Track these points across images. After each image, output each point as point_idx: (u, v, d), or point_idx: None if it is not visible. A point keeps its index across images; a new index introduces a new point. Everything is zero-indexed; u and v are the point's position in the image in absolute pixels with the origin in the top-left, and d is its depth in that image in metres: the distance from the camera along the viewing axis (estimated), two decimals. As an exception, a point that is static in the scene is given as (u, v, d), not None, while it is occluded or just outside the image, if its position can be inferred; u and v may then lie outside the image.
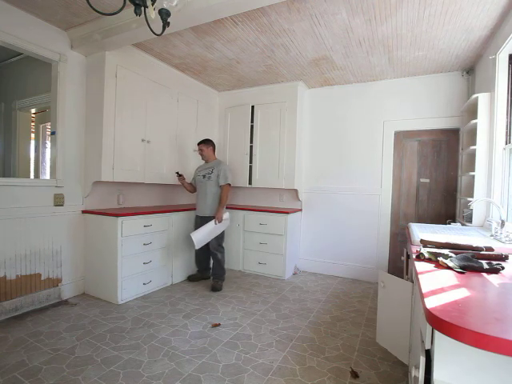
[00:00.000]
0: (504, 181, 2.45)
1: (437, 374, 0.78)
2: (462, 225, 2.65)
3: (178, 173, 3.40)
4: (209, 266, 3.65)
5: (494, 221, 2.11)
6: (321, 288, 3.48)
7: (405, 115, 3.61)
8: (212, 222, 3.24)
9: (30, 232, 2.62)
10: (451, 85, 3.38)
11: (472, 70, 3.27)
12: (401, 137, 3.69)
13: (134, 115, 3.14)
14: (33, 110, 3.94)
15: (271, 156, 4.04)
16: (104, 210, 2.98)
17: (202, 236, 3.20)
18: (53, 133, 2.83)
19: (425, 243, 1.56)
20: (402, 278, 1.88)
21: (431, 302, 0.81)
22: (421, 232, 1.99)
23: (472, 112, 2.90)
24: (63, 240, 2.87)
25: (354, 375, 1.86)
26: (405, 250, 2.14)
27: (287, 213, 3.70)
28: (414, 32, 2.59)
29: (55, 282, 2.83)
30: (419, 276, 1.07)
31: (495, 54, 2.46)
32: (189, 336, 2.28)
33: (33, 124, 4.02)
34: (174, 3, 1.63)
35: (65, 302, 2.83)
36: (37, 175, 3.92)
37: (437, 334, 0.77)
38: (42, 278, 2.73)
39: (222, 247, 3.44)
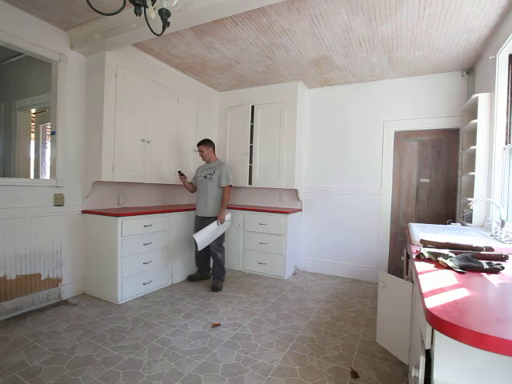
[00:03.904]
0: (504, 181, 2.45)
1: (437, 374, 0.78)
2: (462, 225, 2.65)
3: (179, 172, 3.40)
4: (209, 266, 3.65)
5: (494, 221, 2.11)
6: (321, 288, 3.48)
7: (405, 115, 3.61)
8: (214, 222, 3.24)
9: (30, 232, 2.62)
10: (451, 85, 3.38)
11: (472, 70, 3.27)
12: (401, 137, 3.69)
13: (134, 115, 3.14)
14: (33, 110, 3.94)
15: (271, 156, 4.04)
16: (104, 210, 2.98)
17: (204, 237, 3.20)
18: (53, 133, 2.83)
19: (425, 243, 1.56)
20: (402, 277, 1.88)
21: (431, 302, 0.81)
22: (421, 232, 1.99)
23: (472, 112, 2.90)
24: (63, 240, 2.87)
25: (354, 375, 1.86)
26: (405, 250, 2.14)
27: (287, 213, 3.70)
28: (413, 32, 2.59)
29: (55, 282, 2.83)
30: (419, 276, 1.07)
31: (495, 54, 2.46)
32: (189, 336, 2.28)
33: (33, 124, 4.02)
34: (174, 3, 1.63)
35: (65, 302, 2.83)
36: (37, 175, 3.92)
37: (437, 333, 0.78)
38: (42, 278, 2.73)
39: (222, 247, 3.44)
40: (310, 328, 2.48)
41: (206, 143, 3.37)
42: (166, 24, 1.66)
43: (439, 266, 1.21)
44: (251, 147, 4.19)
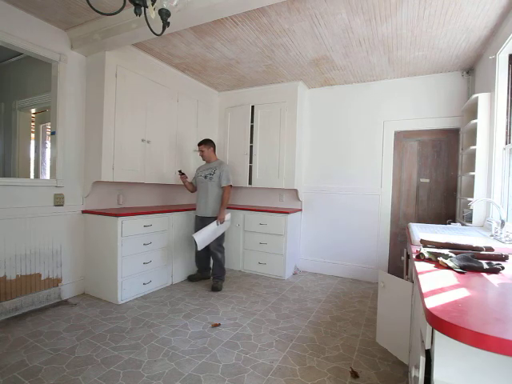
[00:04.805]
0: (504, 181, 2.45)
1: (437, 374, 0.78)
2: (462, 225, 2.65)
3: (180, 171, 3.41)
4: (209, 266, 3.65)
5: (494, 221, 2.11)
6: (321, 288, 3.48)
7: (405, 115, 3.61)
8: (214, 222, 3.24)
9: (30, 232, 2.62)
10: (451, 85, 3.38)
11: (472, 70, 3.27)
12: (401, 137, 3.69)
13: (134, 115, 3.14)
14: (33, 110, 3.94)
15: (271, 156, 4.04)
16: (104, 210, 2.98)
17: (204, 237, 3.20)
18: (53, 133, 2.83)
19: (425, 243, 1.56)
20: (402, 277, 1.88)
21: (431, 302, 0.81)
22: (421, 232, 1.99)
23: (472, 112, 2.90)
24: (63, 240, 2.87)
25: (354, 375, 1.86)
26: (405, 250, 2.14)
27: (287, 213, 3.70)
28: (413, 32, 2.59)
29: (55, 282, 2.83)
30: (419, 276, 1.07)
31: (495, 54, 2.46)
32: (189, 336, 2.28)
33: (33, 124, 4.02)
34: (174, 3, 1.63)
35: (65, 302, 2.82)
36: (37, 175, 3.92)
37: (437, 333, 0.77)
38: (42, 278, 2.73)
39: (222, 247, 3.44)
40: (309, 328, 2.48)
41: (206, 143, 3.37)
42: (165, 24, 1.66)
43: (439, 265, 1.21)
44: (251, 147, 4.19)
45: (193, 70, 3.67)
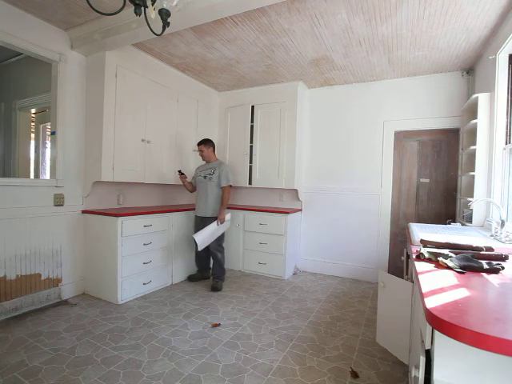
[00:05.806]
0: (504, 181, 2.45)
1: (437, 374, 0.78)
2: (462, 225, 2.65)
3: (179, 171, 3.41)
4: (209, 266, 3.65)
5: (494, 221, 2.11)
6: (321, 288, 3.48)
7: (405, 115, 3.61)
8: (214, 223, 3.24)
9: (30, 232, 2.62)
10: (451, 85, 3.38)
11: (472, 70, 3.27)
12: (401, 137, 3.69)
13: (134, 115, 3.14)
14: (33, 110, 3.94)
15: (271, 156, 4.04)
16: (104, 210, 2.98)
17: (204, 237, 3.21)
18: (53, 133, 2.83)
19: (425, 243, 1.56)
20: (402, 277, 1.88)
21: (431, 302, 0.81)
22: (421, 232, 1.99)
23: (472, 112, 2.90)
24: (63, 240, 2.87)
25: (354, 375, 1.86)
26: (405, 250, 2.14)
27: (287, 213, 3.70)
28: (413, 32, 2.59)
29: (55, 282, 2.83)
30: (419, 276, 1.07)
31: (495, 54, 2.46)
32: (189, 336, 2.28)
33: (33, 124, 4.02)
34: (174, 3, 1.63)
35: (65, 302, 2.82)
36: (37, 175, 3.92)
37: (437, 333, 0.77)
38: (42, 278, 2.73)
39: (222, 247, 3.44)
40: (310, 328, 2.48)
41: (206, 143, 3.37)
42: (165, 24, 1.66)
43: (439, 265, 1.21)
44: (251, 147, 4.19)
45: (193, 70, 3.67)
